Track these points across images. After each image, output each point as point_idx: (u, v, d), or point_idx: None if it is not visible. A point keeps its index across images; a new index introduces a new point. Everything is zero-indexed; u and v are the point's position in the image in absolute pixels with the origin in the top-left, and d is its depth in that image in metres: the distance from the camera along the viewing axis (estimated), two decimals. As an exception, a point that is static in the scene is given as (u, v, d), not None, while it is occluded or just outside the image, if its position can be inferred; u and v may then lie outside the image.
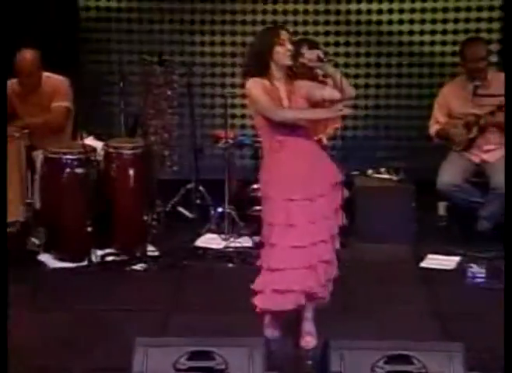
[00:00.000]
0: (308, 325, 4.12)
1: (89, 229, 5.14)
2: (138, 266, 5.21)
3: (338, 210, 4.10)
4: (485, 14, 6.56)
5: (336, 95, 3.93)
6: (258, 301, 4.03)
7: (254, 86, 3.92)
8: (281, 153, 3.98)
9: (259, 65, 3.94)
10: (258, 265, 4.13)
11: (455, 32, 6.61)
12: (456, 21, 6.59)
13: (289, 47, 3.89)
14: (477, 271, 4.99)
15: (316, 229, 3.96)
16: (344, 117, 5.78)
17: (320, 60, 3.89)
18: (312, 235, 3.94)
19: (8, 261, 3.57)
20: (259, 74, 3.93)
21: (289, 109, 3.94)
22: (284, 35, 3.92)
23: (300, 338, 4.12)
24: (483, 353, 3.86)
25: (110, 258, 5.27)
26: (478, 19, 6.57)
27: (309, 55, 3.93)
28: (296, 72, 3.97)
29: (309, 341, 4.09)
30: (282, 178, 3.97)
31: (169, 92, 6.20)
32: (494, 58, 6.42)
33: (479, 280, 4.97)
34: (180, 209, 6.14)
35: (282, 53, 3.90)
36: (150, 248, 5.40)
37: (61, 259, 5.18)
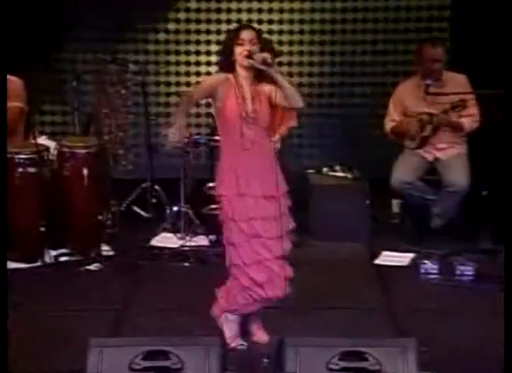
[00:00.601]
0: (258, 321, 4.15)
1: (43, 229, 5.09)
2: (93, 267, 5.17)
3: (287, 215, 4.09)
4: (435, 13, 6.64)
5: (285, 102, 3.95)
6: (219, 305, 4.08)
7: (206, 79, 3.95)
8: (230, 152, 4.00)
9: (224, 64, 3.99)
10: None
11: (406, 31, 6.68)
12: (407, 20, 6.67)
13: (247, 47, 3.88)
14: (430, 267, 5.06)
15: (263, 226, 3.96)
16: (299, 116, 5.82)
17: (265, 63, 3.85)
18: (257, 233, 3.95)
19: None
20: (227, 71, 3.98)
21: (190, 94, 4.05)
22: (245, 35, 3.91)
23: (252, 336, 4.13)
24: (436, 349, 3.91)
25: (64, 258, 5.23)
26: (430, 19, 6.65)
27: (257, 57, 3.88)
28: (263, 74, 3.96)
29: (261, 335, 4.12)
30: (231, 175, 3.98)
31: (123, 91, 6.17)
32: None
33: (432, 276, 5.04)
34: (136, 208, 6.11)
35: (239, 53, 3.91)
36: (105, 248, 5.37)
37: (14, 260, 5.11)
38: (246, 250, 3.97)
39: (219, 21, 6.75)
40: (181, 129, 3.90)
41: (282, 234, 3.99)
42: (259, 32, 4.04)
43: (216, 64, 4.15)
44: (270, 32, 6.67)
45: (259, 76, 3.96)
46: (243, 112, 3.93)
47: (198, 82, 6.71)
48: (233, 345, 4.08)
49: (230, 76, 3.97)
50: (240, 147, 3.95)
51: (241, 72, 3.96)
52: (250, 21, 6.60)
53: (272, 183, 3.96)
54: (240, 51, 3.90)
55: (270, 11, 6.73)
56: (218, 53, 4.16)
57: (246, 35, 3.92)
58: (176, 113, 4.07)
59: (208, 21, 6.76)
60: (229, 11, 6.74)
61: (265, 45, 3.99)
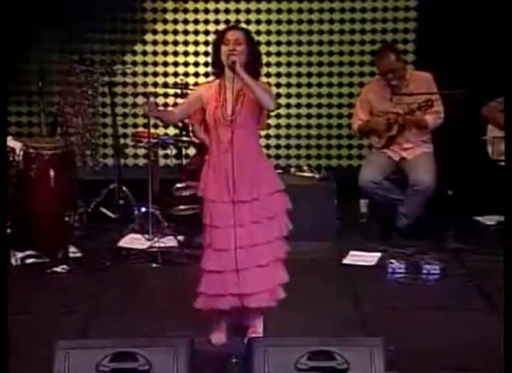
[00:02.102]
0: (253, 325, 4.15)
1: (9, 231, 5.04)
2: (60, 268, 5.13)
3: (276, 218, 4.07)
4: (401, 14, 6.69)
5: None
6: (198, 303, 4.06)
7: (193, 92, 4.19)
8: (213, 153, 4.02)
9: (214, 64, 4.03)
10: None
11: (373, 31, 6.72)
12: (373, 21, 6.70)
13: (230, 47, 3.90)
14: (397, 267, 5.10)
15: (244, 232, 3.95)
16: (267, 117, 5.83)
17: (232, 67, 3.88)
18: (238, 238, 3.93)
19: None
20: (216, 74, 4.03)
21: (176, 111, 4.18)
22: (232, 35, 3.94)
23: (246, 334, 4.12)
24: (404, 348, 3.94)
25: (30, 260, 5.18)
26: (395, 20, 6.70)
27: (228, 59, 3.91)
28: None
29: (254, 331, 4.11)
30: (211, 179, 4.00)
31: (90, 92, 6.13)
32: (411, 57, 6.58)
33: (399, 275, 5.08)
34: (103, 209, 6.07)
35: (223, 53, 3.93)
36: (72, 249, 5.33)
37: (-20, 263, 5.06)
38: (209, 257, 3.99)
39: (185, 21, 6.74)
40: (155, 110, 4.11)
41: (264, 240, 3.98)
42: (247, 33, 4.06)
43: (211, 65, 4.15)
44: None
45: (249, 75, 3.94)
46: (220, 115, 3.95)
47: (164, 83, 6.71)
48: (212, 340, 4.10)
49: (214, 83, 4.02)
50: (221, 148, 3.95)
51: (227, 72, 3.97)
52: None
53: (248, 187, 3.95)
54: (224, 51, 3.93)
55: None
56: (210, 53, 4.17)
57: (231, 35, 3.95)
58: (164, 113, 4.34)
59: (175, 21, 6.75)
60: (196, 11, 6.73)
61: (252, 47, 3.99)
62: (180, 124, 6.05)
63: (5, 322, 3.28)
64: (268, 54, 6.74)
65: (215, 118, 3.96)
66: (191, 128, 5.81)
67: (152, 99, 4.11)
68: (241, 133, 3.95)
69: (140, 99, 6.69)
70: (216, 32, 4.28)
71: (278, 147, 6.93)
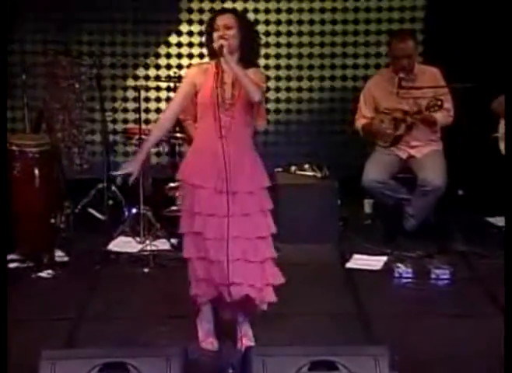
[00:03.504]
0: (243, 328, 4.15)
1: (-9, 234, 5.05)
2: (45, 273, 5.14)
3: (265, 215, 4.09)
4: (408, 3, 6.70)
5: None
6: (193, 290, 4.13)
7: (186, 75, 4.17)
8: (203, 137, 4.05)
9: (208, 50, 4.07)
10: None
11: (378, 21, 6.73)
12: (379, 10, 6.71)
13: (220, 33, 3.94)
14: (404, 271, 5.11)
15: (235, 224, 3.96)
16: (266, 113, 5.84)
17: (219, 52, 3.92)
18: (220, 230, 3.95)
19: None
20: (212, 56, 4.05)
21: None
22: (221, 20, 3.98)
23: (237, 342, 4.13)
24: (410, 356, 3.96)
25: (14, 265, 5.19)
26: (402, 9, 6.71)
27: (215, 44, 3.96)
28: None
29: (245, 343, 4.11)
30: (200, 164, 4.03)
31: (76, 85, 6.14)
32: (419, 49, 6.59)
33: (406, 280, 5.09)
34: (91, 210, 6.08)
35: (215, 38, 3.97)
36: (58, 253, 5.34)
37: (-40, 267, 5.07)
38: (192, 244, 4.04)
39: (179, 10, 6.73)
40: (137, 163, 4.05)
41: (239, 234, 3.97)
42: (239, 16, 4.09)
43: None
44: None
45: (244, 61, 3.98)
46: (220, 97, 3.97)
47: (157, 76, 6.71)
48: (203, 345, 4.13)
49: (209, 65, 4.05)
50: (216, 133, 3.96)
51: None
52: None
53: (243, 178, 3.97)
54: (215, 37, 3.97)
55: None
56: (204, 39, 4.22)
57: (221, 20, 3.99)
58: (143, 144, 4.23)
59: (168, 10, 6.74)
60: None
61: (246, 30, 4.01)
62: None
63: (5, 323, 3.29)
64: (267, 45, 6.74)
65: (214, 100, 3.97)
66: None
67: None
68: (240, 120, 3.99)
69: (131, 93, 6.70)
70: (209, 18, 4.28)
71: (276, 144, 6.93)
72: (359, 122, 5.86)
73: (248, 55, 4.02)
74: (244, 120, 4.02)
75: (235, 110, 3.97)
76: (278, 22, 6.76)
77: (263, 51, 6.69)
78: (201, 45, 6.60)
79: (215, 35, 3.96)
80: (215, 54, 4.01)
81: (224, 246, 3.91)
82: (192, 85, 4.04)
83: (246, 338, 4.14)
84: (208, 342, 4.17)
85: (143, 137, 5.81)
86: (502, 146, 5.67)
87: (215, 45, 3.94)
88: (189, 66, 6.67)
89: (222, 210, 3.94)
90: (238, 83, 3.97)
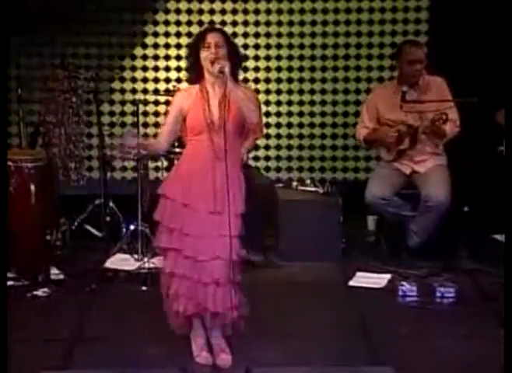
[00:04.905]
0: (218, 343, 4.18)
1: (-15, 251, 5.04)
2: (41, 292, 5.13)
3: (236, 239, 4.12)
4: (411, 15, 6.73)
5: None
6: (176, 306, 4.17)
7: (173, 101, 4.16)
8: (197, 159, 4.07)
9: (191, 70, 4.09)
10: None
11: (381, 34, 6.75)
12: (382, 22, 6.73)
13: (212, 51, 3.95)
14: (408, 289, 5.10)
15: (211, 244, 4.01)
16: (267, 127, 5.85)
17: (221, 72, 3.92)
18: (205, 248, 4.02)
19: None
20: (194, 79, 4.07)
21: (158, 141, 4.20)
22: (212, 38, 3.99)
23: (216, 358, 4.14)
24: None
25: (8, 283, 5.17)
26: (405, 21, 6.73)
27: (217, 65, 3.95)
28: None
29: (224, 358, 4.13)
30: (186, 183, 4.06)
31: (73, 99, 6.15)
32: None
33: (411, 298, 5.07)
34: (88, 227, 6.08)
35: (204, 58, 3.99)
36: (54, 271, 5.33)
37: (-47, 286, 5.05)
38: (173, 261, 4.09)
39: (178, 23, 6.77)
40: (140, 143, 4.17)
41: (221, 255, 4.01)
42: (226, 34, 4.11)
43: (185, 69, 4.22)
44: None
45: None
46: (209, 119, 4.00)
47: (155, 90, 6.73)
48: (197, 360, 4.13)
49: (194, 88, 4.07)
50: (208, 155, 3.99)
51: (208, 77, 4.03)
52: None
53: (231, 200, 3.98)
54: (205, 56, 3.98)
55: (234, 12, 6.76)
56: (186, 58, 4.23)
57: (211, 38, 3.99)
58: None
59: (167, 22, 6.77)
60: (189, 12, 6.76)
61: (232, 49, 4.03)
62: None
63: (5, 324, 3.30)
64: (268, 58, 6.77)
65: (205, 123, 4.01)
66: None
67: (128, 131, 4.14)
68: (231, 141, 3.99)
69: (128, 107, 6.71)
70: (195, 35, 4.26)
71: (278, 158, 6.94)
72: (361, 132, 5.86)
73: (234, 73, 4.01)
74: (235, 141, 4.05)
75: (226, 132, 3.97)
76: (279, 35, 6.78)
77: (264, 65, 6.74)
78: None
79: (206, 53, 3.97)
80: (196, 70, 4.02)
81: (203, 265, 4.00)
82: (180, 110, 4.09)
83: (224, 353, 4.15)
84: (202, 357, 4.17)
85: (142, 152, 5.81)
86: (508, 161, 5.67)
87: (216, 67, 3.92)
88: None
89: (206, 230, 4.01)
90: (224, 103, 4.00)
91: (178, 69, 6.80)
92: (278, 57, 6.81)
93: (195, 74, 4.06)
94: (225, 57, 3.97)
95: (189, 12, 6.75)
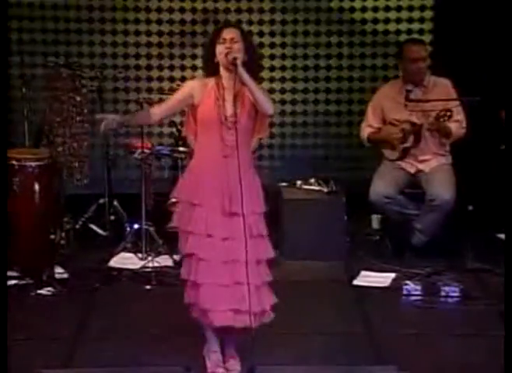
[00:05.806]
0: (230, 349, 4.15)
1: (-11, 250, 5.06)
2: (45, 291, 5.14)
3: (265, 238, 4.10)
4: (416, 14, 6.72)
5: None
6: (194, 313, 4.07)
7: (185, 85, 4.13)
8: (207, 155, 4.03)
9: (207, 65, 4.08)
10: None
11: (385, 33, 6.75)
12: (386, 21, 6.73)
13: (228, 45, 3.95)
14: (412, 288, 5.10)
15: (235, 246, 3.96)
16: (270, 125, 5.84)
17: (233, 64, 3.92)
18: (230, 252, 3.96)
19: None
20: (210, 73, 4.06)
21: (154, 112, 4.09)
22: (227, 33, 3.99)
23: (224, 363, 4.12)
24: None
25: (12, 282, 5.18)
26: (410, 20, 6.73)
27: (223, 56, 3.96)
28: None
29: (233, 364, 4.11)
30: (200, 184, 4.01)
31: (77, 98, 6.14)
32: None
33: (415, 297, 5.08)
34: (92, 226, 6.09)
35: (219, 52, 3.99)
36: (58, 270, 5.34)
37: (-43, 284, 5.07)
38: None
39: (182, 22, 6.77)
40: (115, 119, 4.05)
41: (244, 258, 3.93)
42: (243, 31, 4.11)
43: (202, 66, 4.23)
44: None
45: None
46: (222, 115, 3.98)
47: (160, 88, 6.73)
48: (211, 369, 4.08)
49: (209, 80, 4.05)
50: (219, 152, 3.97)
51: (224, 73, 4.02)
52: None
53: (247, 200, 3.95)
54: (220, 50, 3.98)
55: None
56: (202, 54, 4.27)
57: (227, 33, 4.00)
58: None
59: (171, 22, 6.76)
60: (193, 11, 6.76)
61: (249, 45, 4.03)
62: (176, 133, 6.07)
63: (5, 324, 3.32)
64: (272, 57, 6.77)
65: (217, 118, 3.98)
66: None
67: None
68: (242, 139, 3.98)
69: (132, 106, 6.72)
70: (212, 31, 4.28)
71: (282, 157, 6.93)
72: (365, 131, 5.86)
73: (251, 70, 4.00)
74: (246, 138, 4.03)
75: (238, 129, 3.96)
76: (283, 34, 6.78)
77: (268, 64, 6.74)
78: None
79: (221, 48, 3.97)
80: (212, 67, 4.02)
81: (219, 269, 3.93)
82: (189, 96, 4.04)
83: (233, 359, 4.12)
84: (217, 371, 4.10)
85: (146, 151, 5.84)
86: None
87: (229, 57, 3.92)
88: (193, 78, 6.70)
89: (221, 232, 3.95)
90: (239, 100, 3.99)
91: (182, 68, 6.80)
92: (283, 57, 6.79)
93: (212, 70, 4.05)
94: (240, 51, 3.96)
95: (205, 11, 6.72)
